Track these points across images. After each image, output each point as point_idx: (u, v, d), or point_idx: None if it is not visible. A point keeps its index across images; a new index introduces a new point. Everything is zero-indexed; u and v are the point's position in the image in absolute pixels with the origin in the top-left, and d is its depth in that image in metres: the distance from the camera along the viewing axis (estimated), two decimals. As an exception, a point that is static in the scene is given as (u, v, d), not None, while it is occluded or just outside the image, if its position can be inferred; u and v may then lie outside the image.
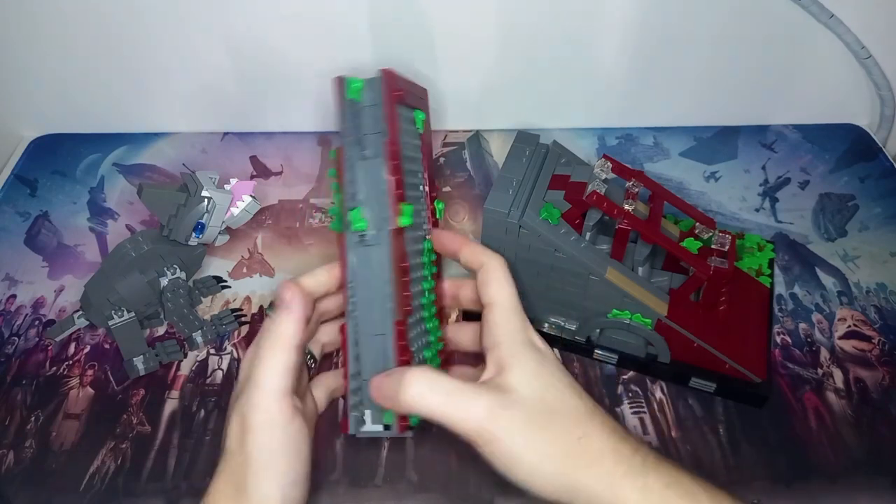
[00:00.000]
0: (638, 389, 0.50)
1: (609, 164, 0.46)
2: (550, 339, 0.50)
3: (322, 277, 0.43)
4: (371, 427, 0.40)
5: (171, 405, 0.50)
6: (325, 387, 0.45)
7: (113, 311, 0.51)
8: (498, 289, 0.41)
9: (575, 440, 0.36)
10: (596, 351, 0.51)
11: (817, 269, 0.58)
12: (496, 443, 0.36)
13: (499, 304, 0.41)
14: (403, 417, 0.39)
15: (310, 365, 0.45)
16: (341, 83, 0.43)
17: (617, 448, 0.36)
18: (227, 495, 0.37)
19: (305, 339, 0.45)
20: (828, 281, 0.57)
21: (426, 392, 0.37)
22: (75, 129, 0.70)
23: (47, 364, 0.52)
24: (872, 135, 0.69)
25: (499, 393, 0.37)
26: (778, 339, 0.53)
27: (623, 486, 0.35)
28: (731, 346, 0.47)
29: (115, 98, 0.67)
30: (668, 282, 0.48)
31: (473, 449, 0.36)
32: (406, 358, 0.39)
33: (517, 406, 0.37)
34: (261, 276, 0.58)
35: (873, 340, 0.53)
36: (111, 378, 0.52)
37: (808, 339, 0.53)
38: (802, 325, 0.54)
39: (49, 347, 0.53)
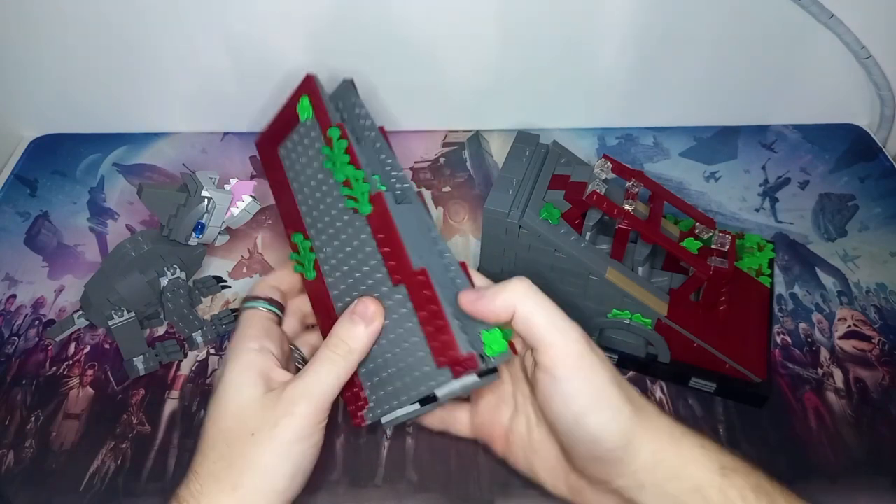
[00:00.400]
0: (638, 389, 0.50)
1: (609, 164, 0.46)
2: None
3: (288, 275, 0.46)
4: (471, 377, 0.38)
5: (171, 405, 0.50)
6: None
7: (113, 311, 0.51)
8: (539, 317, 0.38)
9: (637, 395, 0.37)
10: (596, 351, 0.51)
11: (817, 269, 0.58)
12: (589, 375, 0.36)
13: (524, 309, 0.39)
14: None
15: (298, 366, 0.45)
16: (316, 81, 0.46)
17: (667, 415, 0.38)
18: (217, 474, 0.37)
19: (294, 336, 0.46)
20: (828, 281, 0.57)
21: (532, 296, 0.37)
22: (75, 129, 0.70)
23: (47, 364, 0.52)
24: (872, 135, 0.69)
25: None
26: (778, 339, 0.53)
27: (683, 444, 0.36)
28: (731, 346, 0.47)
29: (115, 98, 0.67)
30: (668, 282, 0.48)
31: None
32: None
33: (600, 353, 0.38)
34: (261, 276, 0.58)
35: (873, 340, 0.53)
36: (111, 378, 0.52)
37: (808, 339, 0.53)
38: (802, 325, 0.54)
39: (49, 347, 0.53)
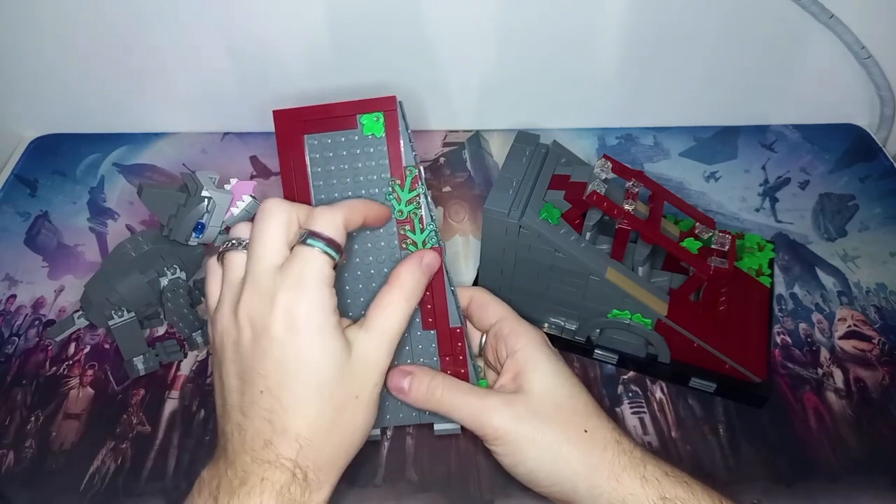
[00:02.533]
0: (638, 389, 0.50)
1: (609, 164, 0.46)
2: (551, 340, 0.50)
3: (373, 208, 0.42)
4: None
5: (171, 405, 0.50)
6: None
7: (113, 311, 0.51)
8: (498, 305, 0.45)
9: (581, 432, 0.38)
10: (596, 351, 0.51)
11: (817, 269, 0.58)
12: (503, 437, 0.38)
13: (506, 317, 0.44)
14: None
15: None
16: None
17: (619, 441, 0.38)
18: (333, 440, 0.37)
19: None
20: (828, 281, 0.57)
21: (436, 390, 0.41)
22: (75, 129, 0.70)
23: (47, 364, 0.52)
24: (872, 135, 0.69)
25: (507, 393, 0.40)
26: (778, 339, 0.53)
27: (624, 477, 0.37)
28: (731, 346, 0.47)
29: (115, 98, 0.67)
30: (668, 282, 0.48)
31: (475, 448, 0.37)
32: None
33: (524, 402, 0.39)
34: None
35: (873, 340, 0.53)
36: (111, 378, 0.52)
37: (808, 339, 0.53)
38: (802, 325, 0.54)
39: (49, 347, 0.53)
